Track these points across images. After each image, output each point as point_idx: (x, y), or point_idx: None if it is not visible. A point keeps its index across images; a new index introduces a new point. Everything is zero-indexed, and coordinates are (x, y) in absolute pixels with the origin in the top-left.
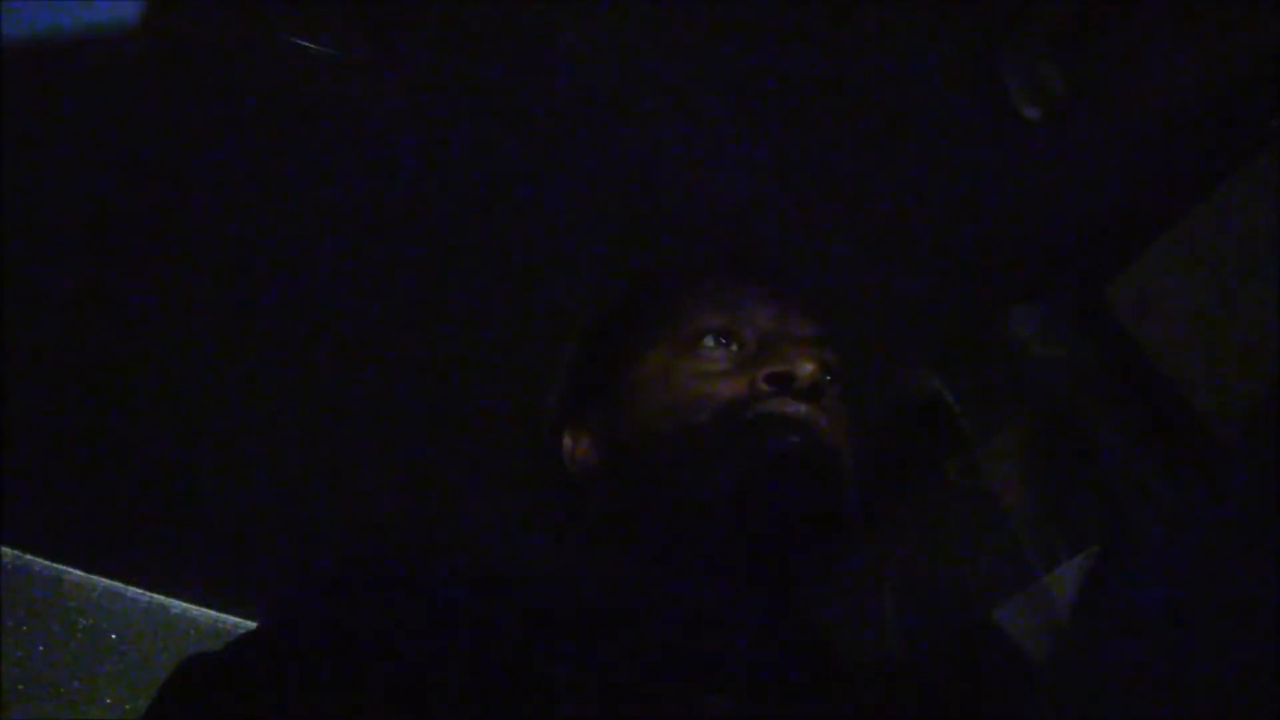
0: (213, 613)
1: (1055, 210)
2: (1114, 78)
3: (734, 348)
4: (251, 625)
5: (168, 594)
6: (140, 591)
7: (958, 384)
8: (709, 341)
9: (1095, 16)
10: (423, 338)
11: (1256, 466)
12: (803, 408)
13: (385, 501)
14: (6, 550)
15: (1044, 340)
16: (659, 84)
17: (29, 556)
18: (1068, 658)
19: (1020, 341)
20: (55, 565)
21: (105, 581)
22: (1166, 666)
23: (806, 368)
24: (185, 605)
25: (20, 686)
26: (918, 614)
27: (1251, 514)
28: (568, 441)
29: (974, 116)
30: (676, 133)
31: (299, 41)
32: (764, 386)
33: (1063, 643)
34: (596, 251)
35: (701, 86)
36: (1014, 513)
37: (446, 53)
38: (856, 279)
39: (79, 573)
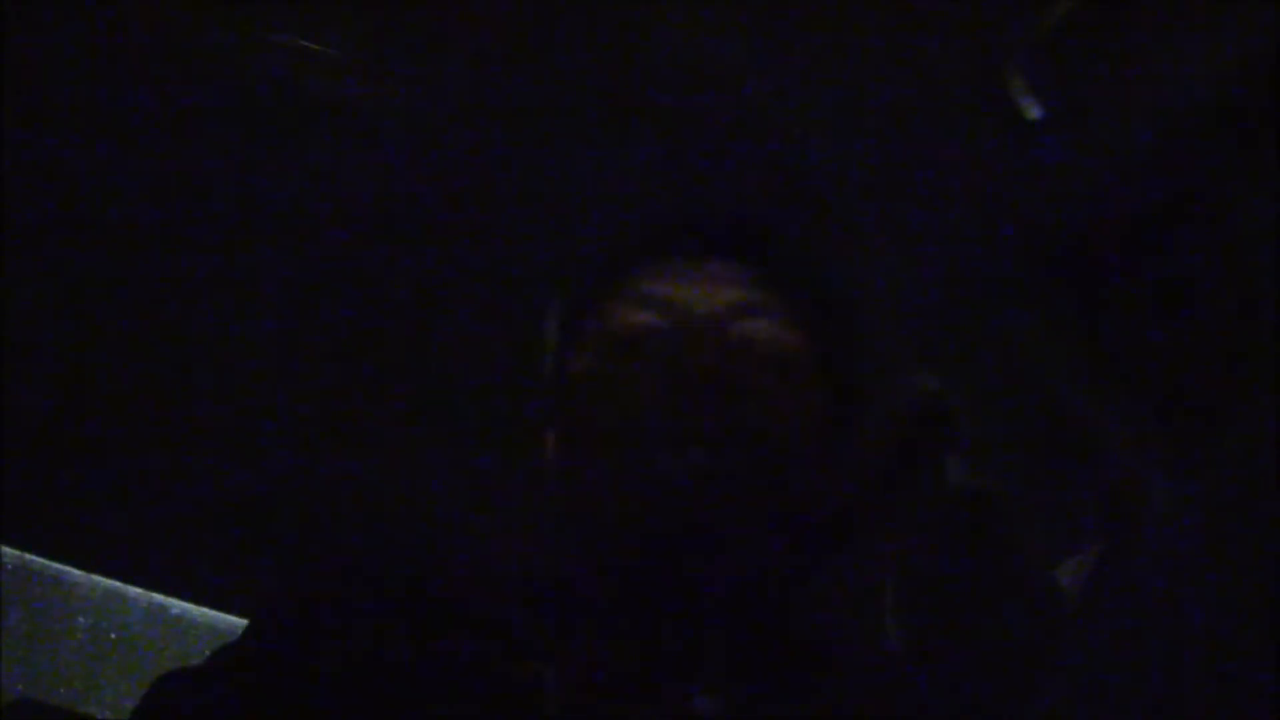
0: (213, 613)
1: (1055, 210)
2: (1114, 78)
3: (657, 343)
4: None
5: (168, 594)
6: (140, 591)
7: (958, 384)
8: (633, 341)
9: (1095, 16)
10: (421, 335)
11: (1257, 465)
12: (717, 411)
13: (382, 501)
14: (7, 550)
15: (1044, 341)
16: (658, 86)
17: (29, 556)
18: (1068, 657)
19: (1020, 341)
20: (55, 565)
21: (105, 581)
22: (1167, 666)
23: (707, 360)
24: (185, 605)
25: (20, 686)
26: (917, 614)
27: (1252, 512)
28: (549, 436)
29: (974, 116)
30: (674, 133)
31: (299, 41)
32: (672, 395)
33: (1063, 642)
34: (597, 248)
35: (703, 81)
36: (1014, 513)
37: (447, 53)
38: (855, 279)
39: (79, 573)
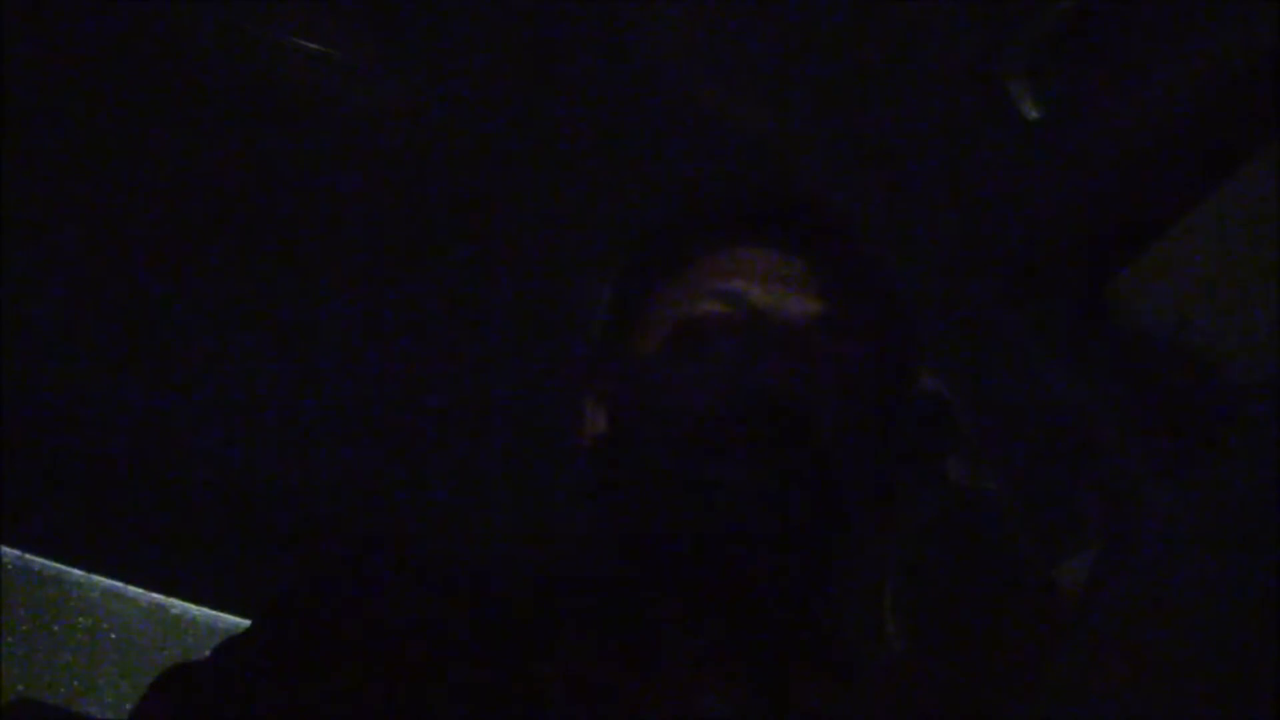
0: (213, 613)
1: (1055, 210)
2: (1113, 79)
3: (727, 342)
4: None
5: (168, 594)
6: (140, 591)
7: (958, 384)
8: (702, 334)
9: (1094, 17)
10: (423, 333)
11: (1256, 465)
12: (778, 422)
13: (386, 500)
14: (7, 550)
15: (1045, 341)
16: (658, 84)
17: (29, 556)
18: (1068, 657)
19: (1021, 341)
20: (55, 565)
21: (105, 581)
22: (1167, 666)
23: (785, 370)
24: (185, 605)
25: (20, 686)
26: (918, 614)
27: (1251, 513)
28: (588, 408)
29: (974, 116)
30: (676, 134)
31: (299, 41)
32: (735, 398)
33: (1063, 642)
34: (599, 246)
35: (701, 76)
36: (1014, 513)
37: (447, 52)
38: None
39: (79, 573)
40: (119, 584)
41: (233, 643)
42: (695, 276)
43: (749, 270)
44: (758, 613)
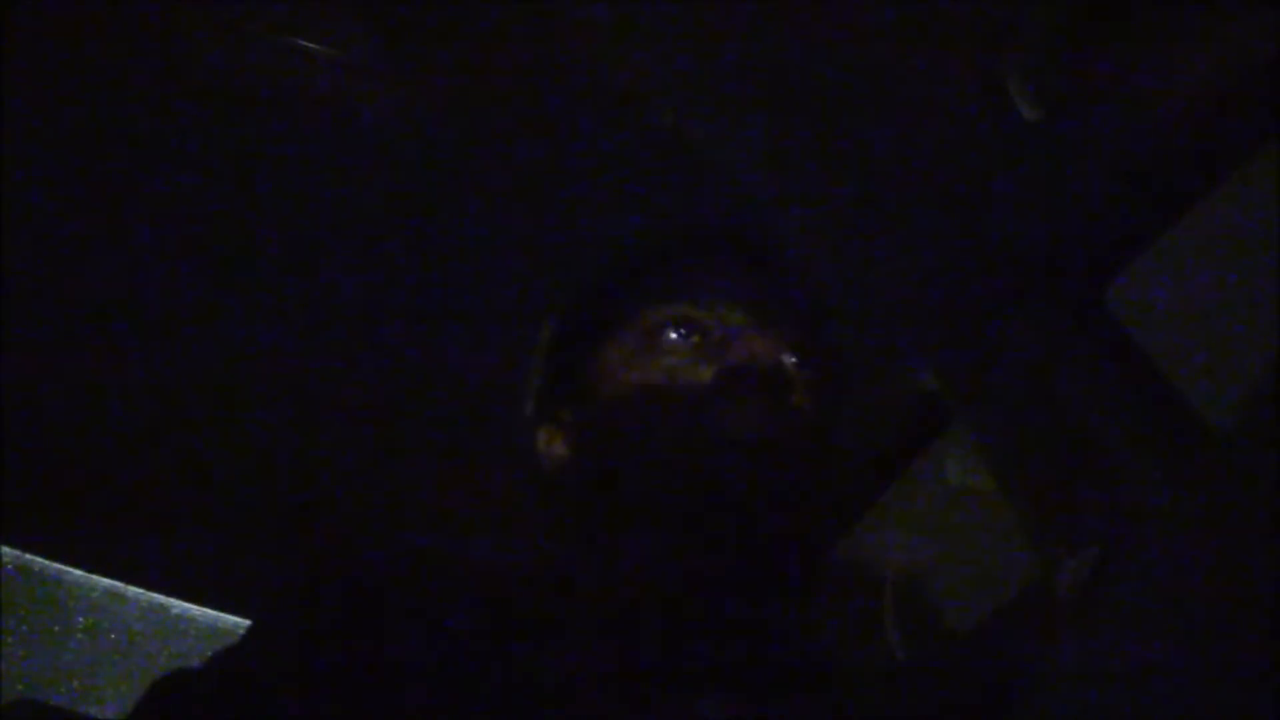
0: (213, 613)
1: (1055, 210)
2: (1114, 78)
3: (695, 339)
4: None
5: (168, 594)
6: (140, 591)
7: (958, 384)
8: (670, 333)
9: (1095, 18)
10: (422, 336)
11: (1256, 465)
12: (759, 405)
13: (385, 500)
14: (6, 550)
15: (1043, 342)
16: (660, 83)
17: (29, 556)
18: (1068, 658)
19: (1019, 343)
20: (55, 565)
21: (105, 581)
22: (1166, 666)
23: (762, 359)
24: (185, 605)
25: (20, 686)
26: (917, 614)
27: (1251, 513)
28: (543, 435)
29: (974, 116)
30: (676, 132)
31: (299, 41)
32: (718, 383)
33: (1063, 642)
34: (596, 249)
35: (700, 79)
36: (1014, 513)
37: (446, 52)
38: (854, 278)
39: (79, 573)
40: (119, 584)
41: (230, 649)
42: (659, 291)
43: (705, 282)
44: (748, 620)
